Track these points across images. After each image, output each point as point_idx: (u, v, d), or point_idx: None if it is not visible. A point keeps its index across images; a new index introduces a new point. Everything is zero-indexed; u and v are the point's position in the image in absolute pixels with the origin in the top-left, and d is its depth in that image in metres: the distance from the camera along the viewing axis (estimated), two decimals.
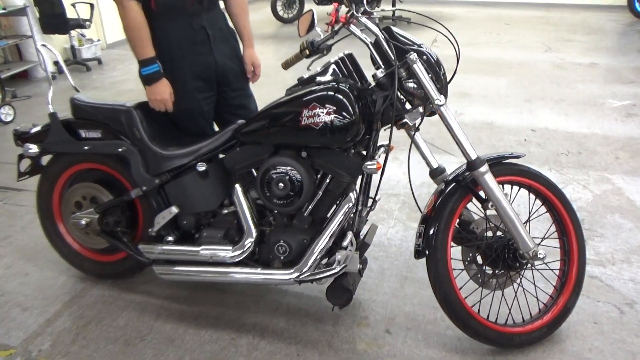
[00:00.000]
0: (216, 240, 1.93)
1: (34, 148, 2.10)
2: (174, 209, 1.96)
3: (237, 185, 1.91)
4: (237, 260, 1.88)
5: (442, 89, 1.77)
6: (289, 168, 1.77)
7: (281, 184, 1.78)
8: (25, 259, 2.50)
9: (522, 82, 4.91)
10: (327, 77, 1.78)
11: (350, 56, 1.82)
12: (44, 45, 2.09)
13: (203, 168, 1.91)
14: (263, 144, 1.85)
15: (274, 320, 2.04)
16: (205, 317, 2.07)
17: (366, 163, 1.73)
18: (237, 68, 2.15)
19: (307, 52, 1.85)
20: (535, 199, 1.95)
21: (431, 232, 1.76)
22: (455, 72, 1.81)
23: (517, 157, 1.88)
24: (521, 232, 1.74)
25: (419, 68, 1.69)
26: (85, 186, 2.14)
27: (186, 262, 1.96)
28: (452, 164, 3.29)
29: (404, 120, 1.79)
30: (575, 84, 4.82)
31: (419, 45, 1.77)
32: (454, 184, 1.81)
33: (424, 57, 1.74)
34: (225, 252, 1.88)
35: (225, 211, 1.98)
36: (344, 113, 1.68)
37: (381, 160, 1.83)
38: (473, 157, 1.72)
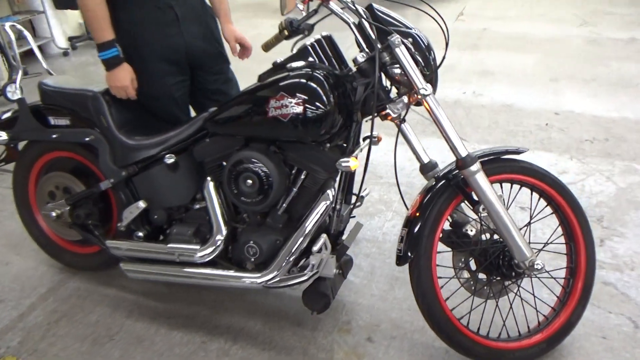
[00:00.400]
0: (185, 238, 1.80)
1: (2, 135, 1.99)
2: (141, 204, 1.84)
3: (209, 179, 1.76)
4: (206, 260, 1.74)
5: (431, 77, 1.56)
6: (258, 163, 1.60)
7: (249, 181, 1.62)
8: (10, 247, 2.45)
9: (551, 59, 4.55)
10: (301, 62, 1.58)
11: (328, 38, 1.63)
12: (13, 25, 1.95)
13: (171, 160, 1.76)
14: (234, 136, 1.69)
15: (250, 322, 1.91)
16: (179, 317, 1.96)
17: (340, 160, 1.54)
18: (213, 50, 1.97)
19: (287, 32, 1.67)
20: (539, 199, 1.73)
21: (414, 236, 1.58)
22: (444, 58, 1.59)
23: (519, 152, 1.66)
24: (516, 239, 1.53)
25: (402, 52, 1.49)
26: (58, 175, 2.04)
27: (154, 260, 1.84)
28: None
29: (387, 111, 1.59)
30: (609, 61, 4.43)
31: (407, 27, 1.56)
32: (443, 181, 1.61)
33: (410, 39, 1.52)
34: (193, 251, 1.75)
35: (197, 206, 1.84)
36: (317, 103, 1.49)
37: (365, 153, 1.65)
38: (462, 154, 1.52)
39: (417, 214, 1.60)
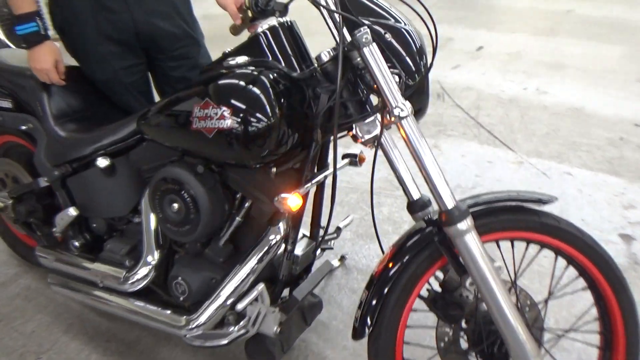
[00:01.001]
0: (117, 258, 1.50)
1: None
2: (72, 211, 1.55)
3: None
4: (133, 289, 1.44)
5: (415, 89, 1.12)
6: (184, 185, 1.25)
7: (175, 205, 1.27)
8: None
9: None
10: (243, 57, 1.19)
11: (287, 26, 1.21)
12: None
13: (105, 164, 1.45)
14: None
15: None
16: (119, 341, 1.69)
17: (279, 196, 1.15)
18: (177, 30, 1.61)
19: (250, 13, 1.28)
20: (567, 267, 1.25)
21: (376, 305, 1.17)
22: (431, 66, 1.14)
23: (544, 201, 1.19)
24: (515, 332, 1.09)
25: (371, 53, 1.05)
26: (7, 163, 1.81)
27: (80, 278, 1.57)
28: (508, 164, 2.53)
29: (355, 132, 1.17)
30: None
31: (397, 21, 1.12)
32: (428, 231, 1.18)
33: (389, 37, 1.09)
34: (117, 276, 1.45)
35: (137, 220, 1.53)
36: (257, 115, 1.10)
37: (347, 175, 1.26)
38: (448, 204, 1.07)
39: (385, 274, 1.19)
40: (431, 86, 3.46)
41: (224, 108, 1.10)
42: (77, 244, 1.62)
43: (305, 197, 1.24)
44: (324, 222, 1.49)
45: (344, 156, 1.44)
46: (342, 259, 1.95)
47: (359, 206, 2.28)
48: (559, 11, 4.90)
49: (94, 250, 1.62)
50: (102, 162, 1.45)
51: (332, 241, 1.68)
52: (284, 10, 1.27)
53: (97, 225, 1.61)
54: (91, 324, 1.76)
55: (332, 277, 1.89)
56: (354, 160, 1.44)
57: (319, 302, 1.56)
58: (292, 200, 1.14)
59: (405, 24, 1.14)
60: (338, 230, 1.58)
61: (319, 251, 1.66)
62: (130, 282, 1.43)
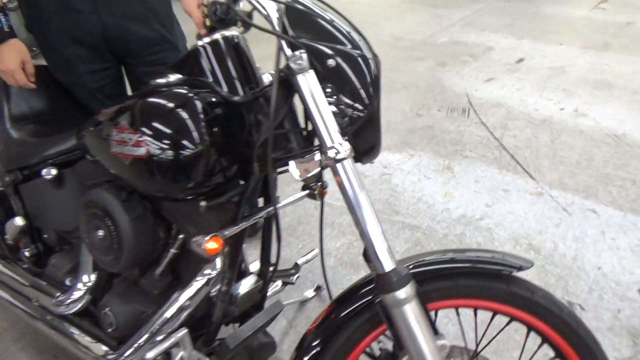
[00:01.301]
0: (59, 275, 1.41)
1: None
2: (19, 221, 1.47)
3: None
4: (65, 313, 1.34)
5: (367, 125, 0.95)
6: (108, 211, 1.12)
7: (100, 232, 1.15)
8: None
9: None
10: (175, 75, 1.05)
11: (233, 42, 1.05)
12: None
13: (51, 175, 1.35)
14: None
15: None
16: (66, 357, 1.60)
17: (194, 238, 1.01)
18: (150, 34, 1.49)
19: (208, 22, 1.14)
20: (541, 344, 1.04)
21: None
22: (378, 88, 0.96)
23: (517, 267, 0.99)
24: None
25: (306, 82, 0.88)
26: None
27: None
28: (525, 194, 2.28)
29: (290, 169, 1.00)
30: None
31: (355, 46, 0.94)
32: (370, 289, 1.01)
33: (330, 62, 0.91)
34: (51, 296, 1.35)
35: None
36: (182, 142, 0.96)
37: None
38: (386, 267, 0.89)
39: (317, 335, 1.02)
40: (459, 99, 3.22)
41: (142, 133, 0.96)
42: (27, 253, 1.53)
43: (234, 237, 1.09)
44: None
45: (304, 187, 1.28)
46: (318, 289, 1.78)
47: (351, 230, 2.11)
48: (616, 23, 4.48)
49: (40, 261, 1.54)
50: (49, 172, 1.35)
51: (294, 277, 1.52)
52: (246, 19, 1.12)
53: (48, 236, 1.52)
54: (42, 336, 1.68)
55: (303, 309, 1.74)
56: (313, 192, 1.27)
57: (271, 342, 1.40)
58: (210, 244, 0.99)
59: (361, 51, 0.95)
60: (296, 266, 1.42)
61: (279, 286, 1.52)
62: (63, 304, 1.32)
